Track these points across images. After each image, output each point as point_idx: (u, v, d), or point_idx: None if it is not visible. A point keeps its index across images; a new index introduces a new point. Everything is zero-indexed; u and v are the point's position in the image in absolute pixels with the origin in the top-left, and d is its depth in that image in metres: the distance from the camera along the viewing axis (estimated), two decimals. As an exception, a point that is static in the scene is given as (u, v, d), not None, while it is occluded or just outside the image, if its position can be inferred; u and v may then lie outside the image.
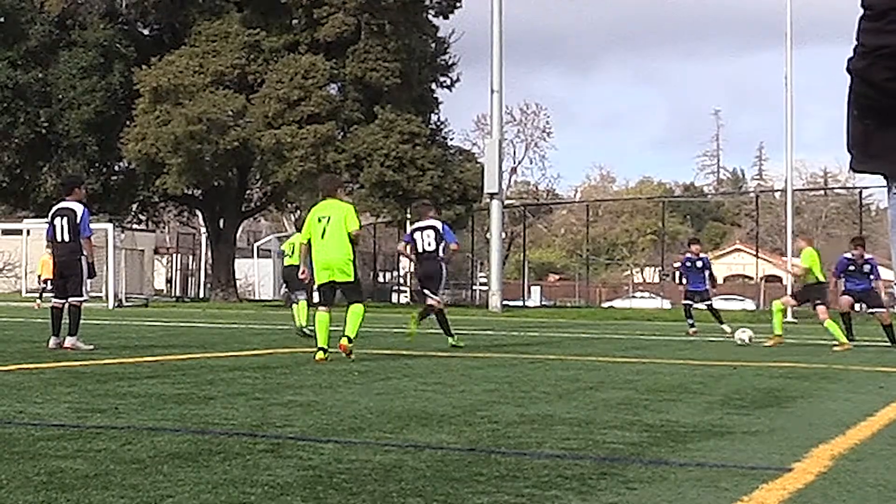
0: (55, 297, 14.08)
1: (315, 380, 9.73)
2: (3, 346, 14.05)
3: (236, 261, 53.98)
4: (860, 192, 55.29)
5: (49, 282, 30.89)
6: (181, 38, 48.10)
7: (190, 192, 50.65)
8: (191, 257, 66.07)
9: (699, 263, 22.36)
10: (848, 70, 2.14)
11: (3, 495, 4.16)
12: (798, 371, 12.09)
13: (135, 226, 56.89)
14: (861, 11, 2.10)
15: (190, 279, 65.20)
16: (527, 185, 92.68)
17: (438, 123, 51.37)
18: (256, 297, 60.42)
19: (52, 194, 42.22)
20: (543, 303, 61.21)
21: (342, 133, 46.29)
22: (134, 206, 54.28)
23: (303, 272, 13.21)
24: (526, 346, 17.02)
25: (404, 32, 46.79)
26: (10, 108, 46.59)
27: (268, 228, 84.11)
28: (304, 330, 17.50)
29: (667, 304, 47.60)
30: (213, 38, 46.93)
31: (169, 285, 65.34)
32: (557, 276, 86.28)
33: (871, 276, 18.09)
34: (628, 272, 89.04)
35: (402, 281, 65.46)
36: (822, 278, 17.74)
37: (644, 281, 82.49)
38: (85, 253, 13.80)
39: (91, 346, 13.62)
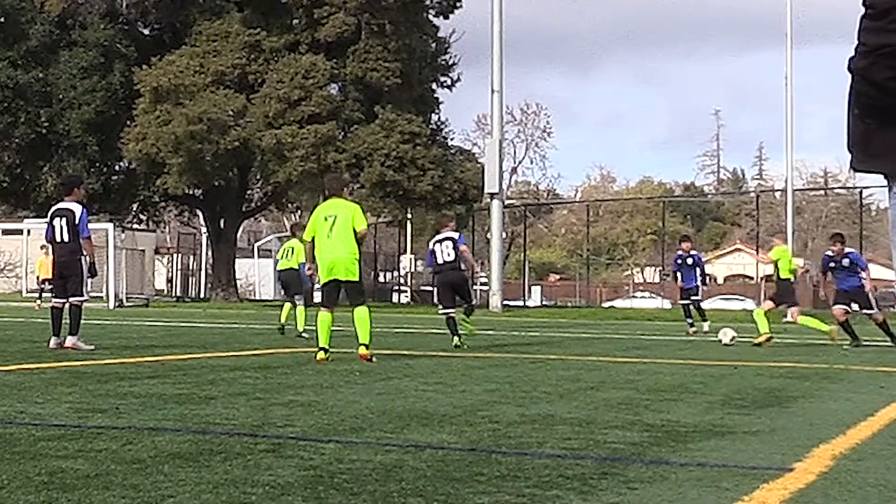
0: (55, 297, 14.08)
1: (316, 380, 9.73)
2: (3, 346, 14.05)
3: (237, 261, 54.00)
4: (860, 192, 55.30)
5: (47, 282, 30.96)
6: (182, 37, 48.11)
7: (190, 192, 50.67)
8: (191, 257, 66.09)
9: (689, 260, 22.65)
10: (849, 69, 2.14)
11: (4, 495, 4.16)
12: (799, 371, 12.09)
13: (135, 226, 56.89)
14: (863, 10, 2.10)
15: (190, 279, 65.22)
16: (527, 184, 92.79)
17: (439, 123, 51.40)
18: (257, 297, 60.45)
19: (52, 194, 42.22)
20: (544, 303, 61.23)
21: (343, 133, 46.30)
22: (134, 206, 54.29)
23: (310, 269, 13.13)
24: (527, 346, 17.02)
25: (405, 32, 46.79)
26: (10, 108, 46.60)
27: (268, 228, 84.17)
28: (303, 335, 17.45)
29: (667, 304, 47.60)
30: (214, 38, 46.93)
31: (169, 285, 65.37)
32: (558, 276, 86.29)
33: (859, 269, 17.85)
34: (629, 272, 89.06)
35: (402, 281, 65.53)
36: (789, 276, 18.38)
37: (644, 281, 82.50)
38: (85, 253, 13.81)
39: (92, 346, 13.62)
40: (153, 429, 6.19)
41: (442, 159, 46.25)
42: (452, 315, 15.75)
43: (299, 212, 65.76)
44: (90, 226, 14.08)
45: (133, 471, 4.73)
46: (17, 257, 48.61)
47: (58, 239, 13.78)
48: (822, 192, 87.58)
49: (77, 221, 13.68)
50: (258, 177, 51.48)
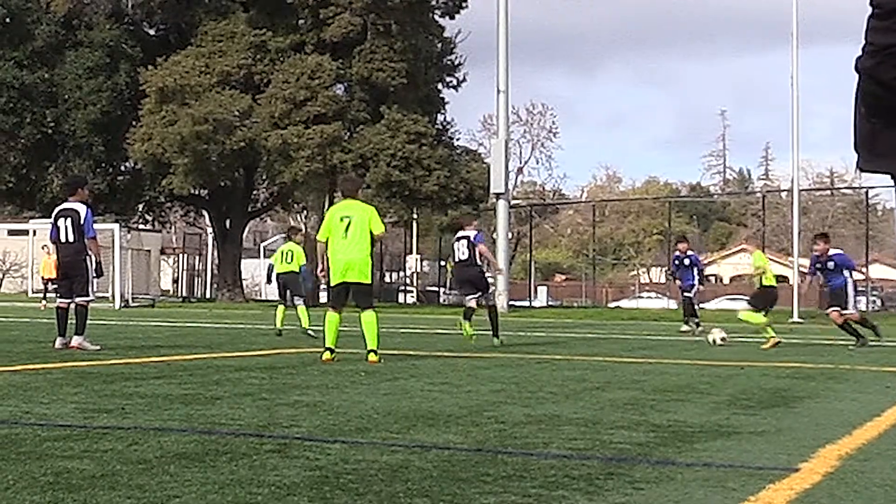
0: (61, 297, 14.09)
1: (321, 380, 9.73)
2: (9, 347, 14.06)
3: (242, 261, 54.07)
4: (866, 192, 55.23)
5: (50, 282, 31.01)
6: (187, 38, 48.18)
7: (196, 193, 50.73)
8: (197, 257, 66.14)
9: (686, 261, 23.11)
10: (856, 69, 2.13)
11: (10, 495, 4.16)
12: (805, 371, 12.08)
13: (141, 226, 56.98)
14: (870, 10, 2.10)
15: (196, 279, 65.26)
16: (533, 185, 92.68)
17: (445, 123, 51.44)
18: (263, 298, 60.46)
19: (58, 194, 42.26)
20: (550, 303, 61.18)
21: (348, 133, 46.32)
22: (140, 207, 54.39)
23: (321, 270, 13.05)
24: (532, 347, 17.02)
25: (410, 32, 46.80)
26: (16, 109, 46.69)
27: (274, 228, 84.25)
28: (309, 332, 17.64)
29: (673, 305, 47.56)
30: (220, 39, 46.99)
31: (175, 285, 65.43)
32: (564, 277, 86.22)
33: (845, 270, 17.60)
34: (635, 272, 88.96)
35: (408, 281, 65.54)
36: (773, 282, 18.27)
37: (650, 281, 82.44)
38: (91, 253, 13.81)
39: (97, 347, 13.63)
40: (159, 429, 6.19)
41: (448, 159, 46.27)
42: (473, 307, 16.34)
43: (305, 212, 65.80)
44: (95, 226, 14.10)
45: (139, 471, 4.73)
46: (23, 258, 48.70)
47: (62, 239, 13.78)
48: (829, 192, 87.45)
49: (82, 221, 13.68)
50: (264, 177, 51.55)
